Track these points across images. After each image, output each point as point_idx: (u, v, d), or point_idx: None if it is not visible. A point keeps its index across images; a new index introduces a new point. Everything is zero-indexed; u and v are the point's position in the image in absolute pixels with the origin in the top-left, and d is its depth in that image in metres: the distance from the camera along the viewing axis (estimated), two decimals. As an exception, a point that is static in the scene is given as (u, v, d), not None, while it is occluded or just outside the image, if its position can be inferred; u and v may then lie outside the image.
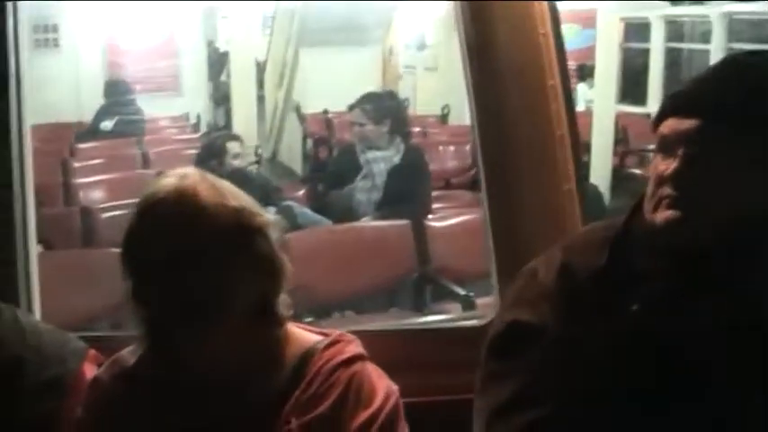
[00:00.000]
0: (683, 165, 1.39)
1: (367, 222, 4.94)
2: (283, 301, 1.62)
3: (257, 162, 6.50)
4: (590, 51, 9.13)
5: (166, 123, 10.03)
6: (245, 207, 1.57)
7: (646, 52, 10.61)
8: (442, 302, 4.42)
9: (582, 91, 10.19)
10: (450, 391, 1.99)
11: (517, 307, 1.58)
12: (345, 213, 5.08)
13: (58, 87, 9.31)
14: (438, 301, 4.48)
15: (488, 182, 2.25)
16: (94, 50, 10.83)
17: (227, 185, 1.60)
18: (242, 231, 1.55)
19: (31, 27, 9.13)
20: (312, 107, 10.20)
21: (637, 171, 7.90)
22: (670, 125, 1.43)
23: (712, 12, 9.25)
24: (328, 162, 7.12)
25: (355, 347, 1.70)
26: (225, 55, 11.36)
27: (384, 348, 1.76)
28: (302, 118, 10.26)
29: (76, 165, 6.87)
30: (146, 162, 7.29)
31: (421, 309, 4.41)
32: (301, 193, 5.78)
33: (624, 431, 1.43)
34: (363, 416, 1.61)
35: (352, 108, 5.35)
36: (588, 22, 9.27)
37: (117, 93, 8.94)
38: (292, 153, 10.33)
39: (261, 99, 10.06)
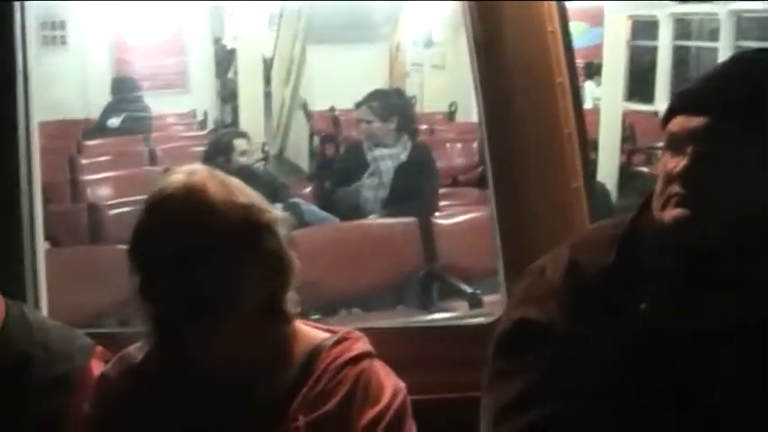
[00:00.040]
0: (692, 162, 1.39)
1: (374, 220, 4.93)
2: (291, 298, 1.62)
3: (264, 159, 6.51)
4: (598, 49, 9.14)
5: (173, 120, 10.05)
6: (254, 204, 1.57)
7: (653, 50, 10.61)
8: (448, 300, 4.41)
9: (589, 89, 10.16)
10: (457, 388, 1.99)
11: (525, 305, 1.57)
12: (352, 211, 5.07)
13: (66, 84, 9.34)
14: (445, 298, 4.48)
15: (496, 179, 2.25)
16: (102, 48, 10.87)
17: (235, 182, 1.60)
18: (250, 228, 1.55)
19: (38, 24, 9.17)
20: (319, 104, 10.21)
21: (644, 169, 7.89)
22: (678, 123, 1.42)
23: (720, 10, 9.24)
24: (335, 159, 7.10)
25: (363, 345, 1.70)
26: (232, 52, 11.41)
27: (391, 346, 1.76)
28: (309, 115, 10.28)
29: (84, 162, 6.88)
30: (153, 159, 7.32)
31: (428, 306, 4.40)
32: (308, 190, 5.77)
33: (632, 429, 1.43)
34: (371, 413, 1.60)
35: (359, 105, 5.34)
36: (596, 19, 9.26)
37: (124, 90, 8.97)
38: (299, 150, 10.35)
39: (268, 96, 10.09)
